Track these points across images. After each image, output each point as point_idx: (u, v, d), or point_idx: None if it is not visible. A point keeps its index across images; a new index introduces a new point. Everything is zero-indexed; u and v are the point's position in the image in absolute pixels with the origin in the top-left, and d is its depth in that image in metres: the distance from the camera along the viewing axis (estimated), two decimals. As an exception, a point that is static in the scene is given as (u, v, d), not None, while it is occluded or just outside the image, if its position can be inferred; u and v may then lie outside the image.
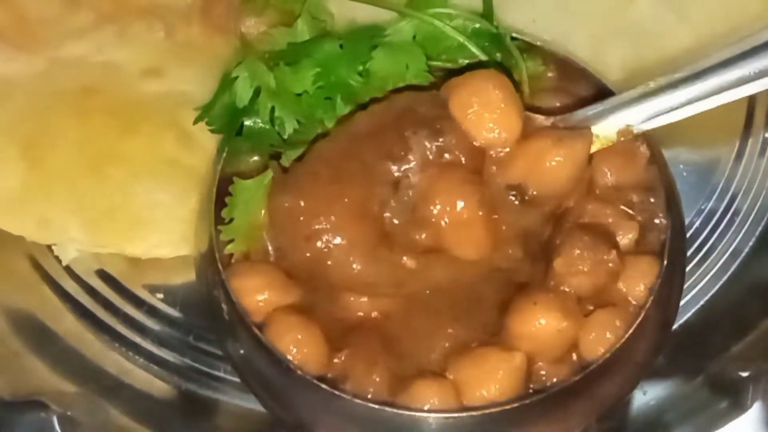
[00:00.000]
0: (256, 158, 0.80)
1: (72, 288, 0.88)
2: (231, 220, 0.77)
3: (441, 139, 0.73)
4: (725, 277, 0.88)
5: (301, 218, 0.72)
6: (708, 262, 0.88)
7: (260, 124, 0.79)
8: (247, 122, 0.79)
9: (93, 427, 0.78)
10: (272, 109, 0.78)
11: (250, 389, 0.78)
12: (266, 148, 0.79)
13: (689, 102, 0.73)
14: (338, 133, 0.76)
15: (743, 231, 0.89)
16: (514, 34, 0.82)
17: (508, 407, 0.70)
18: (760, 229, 0.89)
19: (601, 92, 0.81)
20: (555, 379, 0.72)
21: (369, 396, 0.71)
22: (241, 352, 0.76)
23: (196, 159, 0.85)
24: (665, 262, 0.74)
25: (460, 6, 0.82)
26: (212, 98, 0.81)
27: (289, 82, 0.78)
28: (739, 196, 0.90)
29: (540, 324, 0.71)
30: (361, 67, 0.79)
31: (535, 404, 0.71)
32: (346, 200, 0.72)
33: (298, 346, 0.72)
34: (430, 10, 0.81)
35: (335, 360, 0.72)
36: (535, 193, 0.75)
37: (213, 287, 0.77)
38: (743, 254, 0.88)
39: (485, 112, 0.74)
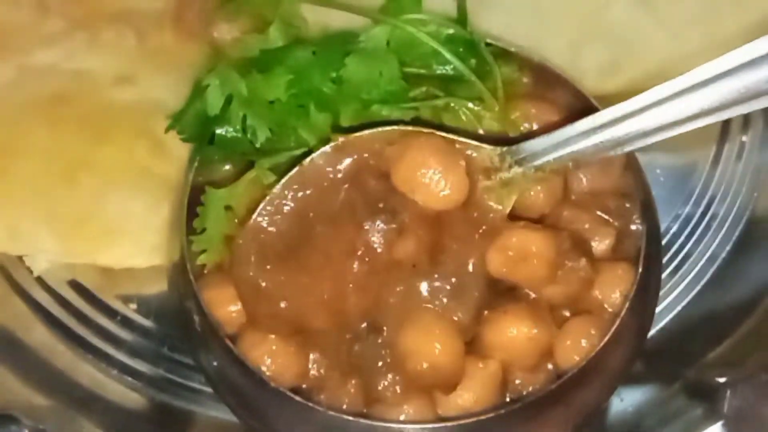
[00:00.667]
0: (228, 167, 0.79)
1: (43, 299, 0.87)
2: (203, 230, 0.76)
3: (397, 219, 0.73)
4: (702, 283, 0.88)
5: (266, 294, 0.72)
6: (684, 267, 0.88)
7: (232, 133, 0.78)
8: (219, 131, 0.78)
9: (65, 441, 0.78)
10: (244, 118, 0.77)
11: (223, 401, 0.77)
12: (239, 157, 0.78)
13: (636, 137, 0.72)
14: (286, 201, 0.75)
15: (720, 236, 0.89)
16: (488, 40, 0.82)
17: (483, 417, 0.70)
18: (736, 234, 0.89)
19: (577, 98, 0.80)
20: (531, 388, 0.71)
21: (344, 407, 0.70)
22: (214, 363, 0.75)
23: (168, 167, 0.84)
24: (641, 269, 0.73)
25: (434, 12, 0.81)
26: (183, 106, 0.80)
27: (261, 90, 0.77)
28: (716, 201, 0.90)
29: (512, 333, 0.71)
30: (334, 74, 0.78)
31: (511, 414, 0.70)
32: (316, 297, 0.72)
33: (272, 357, 0.71)
34: (403, 16, 0.80)
35: (310, 371, 0.71)
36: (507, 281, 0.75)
37: (185, 298, 0.76)
38: (720, 259, 0.88)
39: (430, 184, 0.73)
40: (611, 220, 0.76)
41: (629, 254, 0.75)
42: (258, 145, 0.77)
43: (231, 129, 0.78)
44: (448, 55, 0.80)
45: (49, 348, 0.85)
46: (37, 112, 0.85)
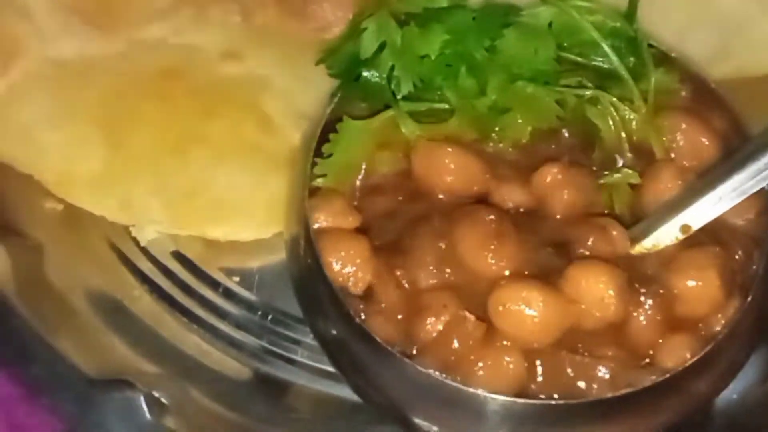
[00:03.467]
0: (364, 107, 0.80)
1: (148, 269, 0.88)
2: (329, 156, 0.77)
3: None
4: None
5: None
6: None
7: (377, 78, 0.79)
8: (366, 73, 0.79)
9: (177, 408, 0.78)
10: (392, 67, 0.78)
11: (338, 369, 0.77)
12: (378, 102, 0.79)
13: (735, 190, 0.74)
14: None
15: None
16: (652, 42, 0.81)
17: (601, 398, 0.70)
18: None
19: (732, 125, 0.79)
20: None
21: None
22: (333, 332, 0.75)
23: (276, 143, 0.85)
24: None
25: (604, 2, 0.81)
26: (337, 43, 0.81)
27: (415, 44, 0.78)
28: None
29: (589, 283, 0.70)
30: (488, 43, 0.78)
31: (626, 398, 0.70)
32: None
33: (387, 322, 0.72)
34: (572, 1, 0.79)
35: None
36: None
37: (306, 268, 0.76)
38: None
39: None
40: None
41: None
42: (399, 97, 0.78)
43: (377, 74, 0.78)
44: (606, 48, 0.79)
45: (156, 318, 0.85)
46: (147, 86, 0.86)
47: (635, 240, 0.75)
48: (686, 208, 0.75)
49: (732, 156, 0.76)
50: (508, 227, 0.72)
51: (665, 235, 0.75)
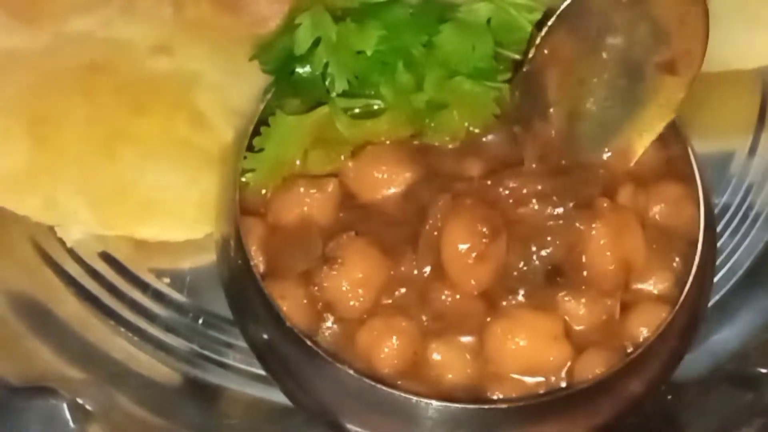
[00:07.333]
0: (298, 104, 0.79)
1: (75, 271, 0.85)
2: (260, 150, 0.75)
3: None
4: (740, 274, 0.87)
5: None
6: (722, 258, 0.87)
7: (311, 75, 0.77)
8: (300, 70, 0.78)
9: (102, 415, 0.76)
10: (326, 64, 0.77)
11: (270, 373, 0.76)
12: (312, 98, 0.78)
13: None
14: None
15: (758, 226, 0.89)
16: None
17: (536, 401, 0.69)
18: (775, 223, 0.89)
19: (670, 129, 0.80)
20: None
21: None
22: (264, 336, 0.74)
23: (208, 140, 0.83)
24: (698, 256, 0.73)
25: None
26: (271, 38, 0.79)
27: (351, 39, 0.76)
28: (753, 190, 0.90)
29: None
30: (425, 39, 0.77)
31: (551, 402, 0.70)
32: None
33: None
34: None
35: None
36: None
37: (236, 269, 0.75)
38: (758, 250, 0.88)
39: None
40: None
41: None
42: (333, 94, 0.77)
43: (311, 71, 0.77)
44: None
45: (82, 321, 0.83)
46: (73, 81, 0.84)
47: None
48: None
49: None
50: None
51: None
